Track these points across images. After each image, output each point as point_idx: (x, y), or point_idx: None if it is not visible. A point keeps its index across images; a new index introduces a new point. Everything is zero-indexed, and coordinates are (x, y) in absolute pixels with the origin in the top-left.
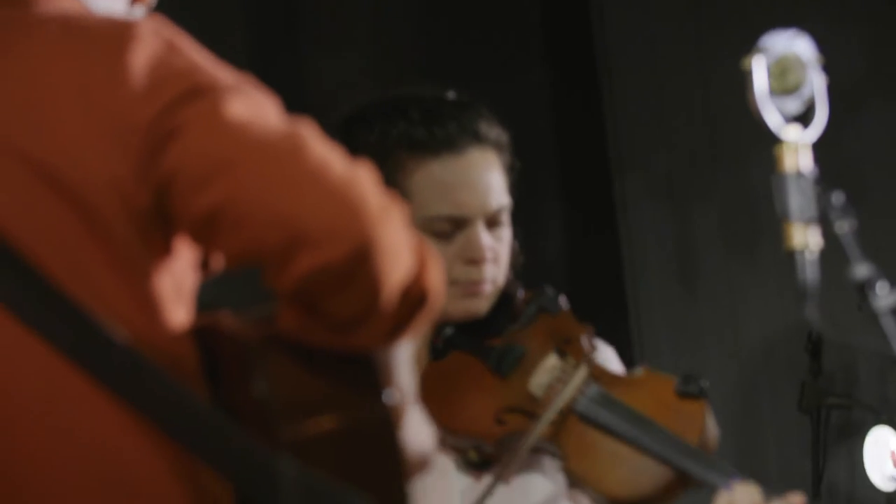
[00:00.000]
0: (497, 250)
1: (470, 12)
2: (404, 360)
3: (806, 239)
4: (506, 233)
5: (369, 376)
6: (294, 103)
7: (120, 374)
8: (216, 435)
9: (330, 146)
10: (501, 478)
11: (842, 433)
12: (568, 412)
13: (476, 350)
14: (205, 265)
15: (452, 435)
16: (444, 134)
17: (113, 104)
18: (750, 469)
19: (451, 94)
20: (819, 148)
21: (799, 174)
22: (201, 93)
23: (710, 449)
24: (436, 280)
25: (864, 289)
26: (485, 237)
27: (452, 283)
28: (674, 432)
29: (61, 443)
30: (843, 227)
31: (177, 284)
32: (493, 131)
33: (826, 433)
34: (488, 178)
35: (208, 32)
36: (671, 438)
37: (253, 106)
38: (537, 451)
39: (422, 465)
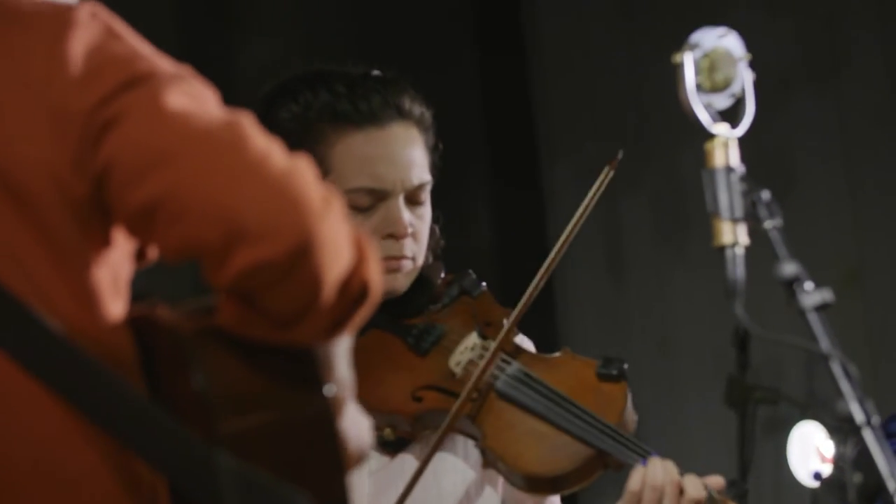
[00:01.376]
0: (417, 228)
1: None
2: (344, 353)
3: (735, 236)
4: (426, 212)
5: (309, 370)
6: (222, 91)
7: (54, 366)
8: (152, 428)
9: (269, 139)
10: (426, 460)
11: (768, 428)
12: (487, 390)
13: (395, 328)
14: (140, 255)
15: (367, 412)
16: (368, 107)
17: (51, 91)
18: (676, 462)
19: (376, 71)
20: (747, 141)
21: (728, 170)
22: (141, 81)
23: (628, 432)
24: (375, 273)
25: (790, 286)
26: (405, 213)
27: None
28: (593, 412)
29: None
30: (771, 224)
31: (114, 275)
32: (417, 108)
33: (752, 428)
34: (410, 153)
35: (134, 18)
36: (590, 417)
37: (192, 96)
38: (454, 431)
39: (359, 459)
